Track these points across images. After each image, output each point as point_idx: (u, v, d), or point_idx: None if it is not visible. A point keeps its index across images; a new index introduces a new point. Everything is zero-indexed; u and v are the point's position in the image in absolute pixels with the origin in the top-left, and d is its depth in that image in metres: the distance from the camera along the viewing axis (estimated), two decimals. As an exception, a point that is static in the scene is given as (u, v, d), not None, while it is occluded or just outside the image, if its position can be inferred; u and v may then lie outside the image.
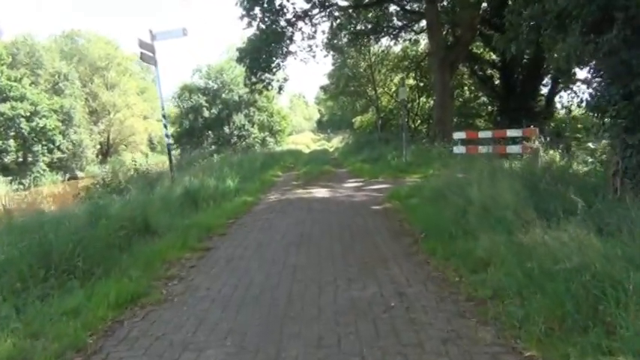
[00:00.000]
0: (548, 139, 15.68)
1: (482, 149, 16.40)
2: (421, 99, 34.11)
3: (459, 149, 16.74)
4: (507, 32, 11.58)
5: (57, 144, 40.20)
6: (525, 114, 22.90)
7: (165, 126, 12.84)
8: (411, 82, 34.44)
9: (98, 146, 49.37)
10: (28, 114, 36.56)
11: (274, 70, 24.52)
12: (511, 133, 16.30)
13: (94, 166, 47.09)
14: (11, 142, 34.61)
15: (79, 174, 42.94)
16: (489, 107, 29.16)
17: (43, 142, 38.99)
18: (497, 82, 26.61)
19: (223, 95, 39.05)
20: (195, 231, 7.28)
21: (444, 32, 23.85)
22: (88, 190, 13.29)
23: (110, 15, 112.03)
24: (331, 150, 39.67)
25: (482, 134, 16.81)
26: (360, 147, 24.14)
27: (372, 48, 32.58)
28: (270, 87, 25.58)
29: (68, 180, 39.73)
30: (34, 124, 36.93)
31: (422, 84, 32.93)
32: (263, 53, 23.39)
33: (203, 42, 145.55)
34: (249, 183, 12.88)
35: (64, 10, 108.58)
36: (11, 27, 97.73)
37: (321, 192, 11.51)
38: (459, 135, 17.41)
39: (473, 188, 6.79)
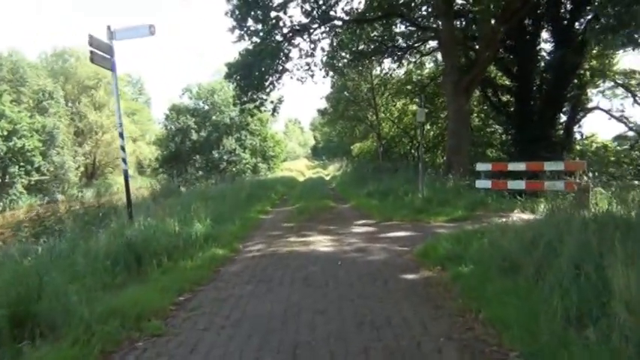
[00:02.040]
0: (595, 173, 12.76)
1: (511, 184, 13.48)
2: (425, 126, 31.23)
3: (483, 183, 13.72)
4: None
5: (36, 165, 37.14)
6: (543, 144, 20.19)
7: (123, 148, 9.72)
8: (414, 107, 31.69)
9: (82, 169, 46.12)
10: (6, 133, 33.60)
11: (268, 89, 21.68)
12: (550, 166, 13.29)
13: (76, 189, 44.02)
14: (-15, 162, 31.64)
15: (60, 197, 39.81)
16: (502, 136, 26.27)
17: (21, 164, 35.95)
18: (511, 109, 23.77)
19: (214, 117, 35.92)
20: (111, 326, 4.06)
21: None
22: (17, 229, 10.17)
23: (110, 15, 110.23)
24: (327, 178, 36.51)
25: (512, 166, 13.79)
26: (361, 177, 21.00)
27: (374, 70, 29.84)
28: (262, 108, 22.62)
29: (47, 204, 36.36)
30: (11, 143, 33.95)
31: (426, 110, 29.95)
32: (255, 70, 20.57)
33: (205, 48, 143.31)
34: (228, 224, 9.66)
35: (64, 11, 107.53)
36: (11, 29, 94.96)
37: (322, 241, 8.28)
38: (483, 166, 14.33)
39: (615, 267, 3.63)
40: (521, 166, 14.07)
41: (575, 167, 12.63)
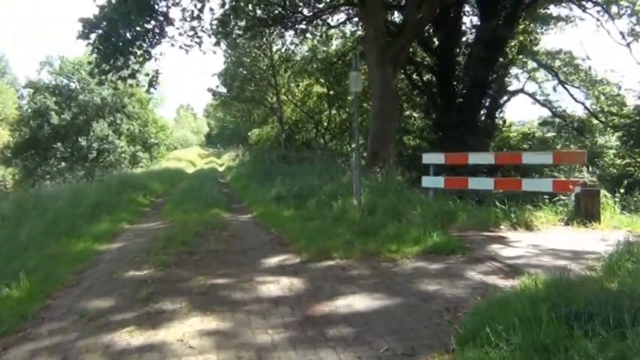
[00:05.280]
0: (596, 170, 9.06)
1: (474, 183, 9.35)
2: (332, 110, 27.15)
3: (433, 181, 9.63)
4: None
5: None
6: (469, 130, 16.94)
7: None
8: (318, 89, 27.39)
9: None
10: None
11: (140, 57, 16.22)
12: (531, 158, 9.43)
13: None
14: None
15: None
16: (420, 121, 22.76)
17: None
18: (434, 89, 20.23)
19: (81, 97, 28.65)
20: None
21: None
22: None
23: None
24: (221, 169, 31.01)
25: (474, 158, 9.74)
26: (264, 170, 16.07)
27: (274, 45, 25.01)
28: (133, 81, 17.03)
29: None
30: None
31: (332, 92, 25.88)
32: (120, 29, 15.08)
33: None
34: (5, 282, 4.50)
35: None
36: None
37: (193, 349, 3.38)
38: (432, 158, 10.10)
39: None
40: (487, 158, 10.12)
41: (571, 159, 8.83)
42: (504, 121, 21.62)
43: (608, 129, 16.93)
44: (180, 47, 17.03)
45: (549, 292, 3.65)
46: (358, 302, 4.14)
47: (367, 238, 6.38)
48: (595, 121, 19.19)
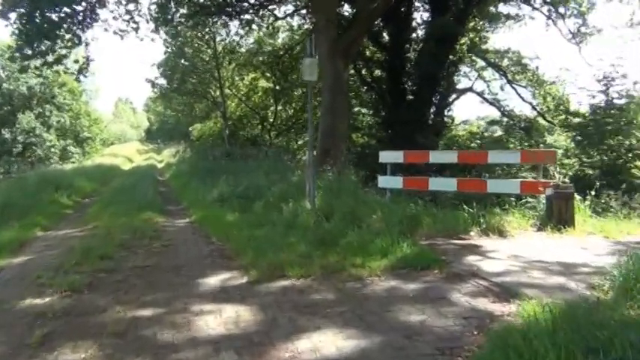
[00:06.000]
0: (562, 171, 8.50)
1: (435, 183, 8.68)
2: (278, 106, 26.07)
3: (390, 181, 8.86)
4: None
5: None
6: (418, 128, 16.53)
7: None
8: (265, 83, 26.23)
9: None
10: None
11: (68, 42, 14.69)
12: (497, 156, 8.75)
13: None
14: None
15: None
16: (369, 118, 22.13)
17: None
18: (384, 86, 19.61)
19: (5, 85, 26.05)
20: None
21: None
22: None
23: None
24: (160, 166, 29.19)
25: (435, 156, 9.03)
26: (206, 168, 14.83)
27: (217, 36, 23.63)
28: (60, 66, 15.39)
29: None
30: None
31: (278, 87, 24.84)
32: (47, 10, 13.58)
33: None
34: None
35: None
36: None
37: None
38: (390, 156, 9.29)
39: None
40: (450, 157, 9.41)
41: (540, 159, 8.20)
42: (452, 120, 21.40)
43: (557, 128, 16.85)
44: (115, 32, 15.60)
45: (571, 327, 2.82)
46: (325, 343, 3.15)
47: (326, 249, 5.41)
48: (542, 121, 19.17)
